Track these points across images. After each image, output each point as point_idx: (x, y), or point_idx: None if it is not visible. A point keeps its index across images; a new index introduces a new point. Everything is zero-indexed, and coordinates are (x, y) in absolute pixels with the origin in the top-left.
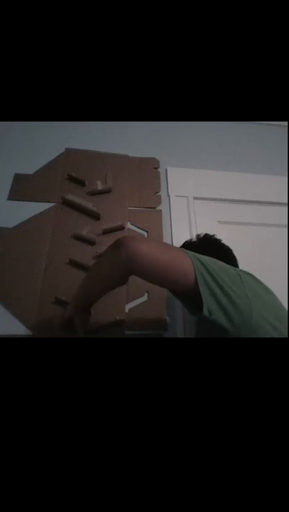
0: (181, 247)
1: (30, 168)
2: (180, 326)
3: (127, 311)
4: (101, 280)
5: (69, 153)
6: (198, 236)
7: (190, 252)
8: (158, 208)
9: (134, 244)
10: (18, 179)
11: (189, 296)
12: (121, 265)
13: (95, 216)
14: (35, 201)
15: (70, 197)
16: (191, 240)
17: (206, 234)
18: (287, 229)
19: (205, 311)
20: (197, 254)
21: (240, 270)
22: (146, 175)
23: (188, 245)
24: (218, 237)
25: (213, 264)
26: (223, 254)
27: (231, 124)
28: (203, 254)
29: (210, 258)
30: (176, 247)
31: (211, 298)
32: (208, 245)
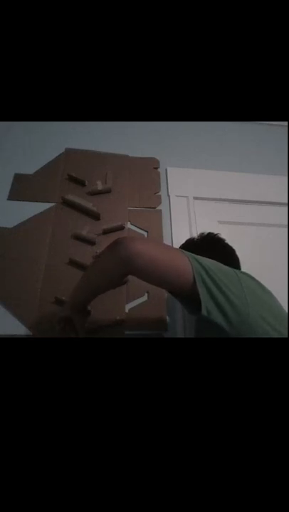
0: (183, 245)
1: (30, 168)
2: (180, 326)
3: (127, 311)
4: (99, 279)
5: (69, 153)
6: (201, 235)
7: (187, 252)
8: (158, 208)
9: (132, 244)
10: (18, 179)
11: (187, 296)
12: (119, 265)
13: (95, 216)
14: (35, 201)
15: (70, 197)
16: (193, 238)
17: (209, 233)
18: (287, 229)
19: (204, 311)
20: (194, 255)
21: (239, 271)
22: (146, 175)
23: (190, 244)
24: (222, 236)
25: (210, 264)
26: (227, 254)
27: (231, 124)
28: (205, 254)
29: (207, 258)
30: (174, 248)
31: (209, 297)
32: (210, 245)
